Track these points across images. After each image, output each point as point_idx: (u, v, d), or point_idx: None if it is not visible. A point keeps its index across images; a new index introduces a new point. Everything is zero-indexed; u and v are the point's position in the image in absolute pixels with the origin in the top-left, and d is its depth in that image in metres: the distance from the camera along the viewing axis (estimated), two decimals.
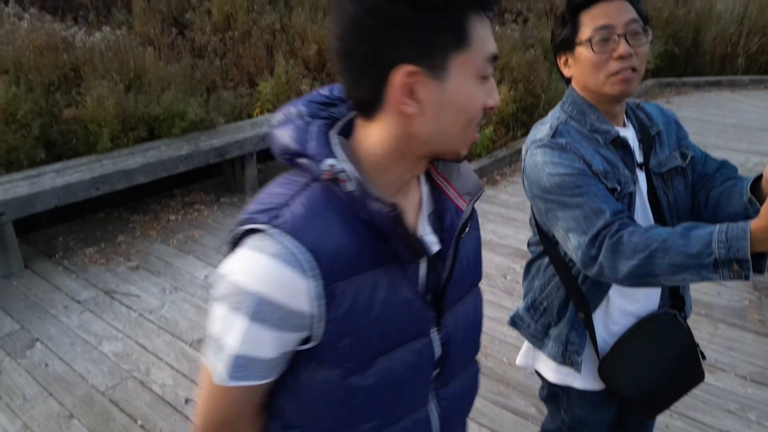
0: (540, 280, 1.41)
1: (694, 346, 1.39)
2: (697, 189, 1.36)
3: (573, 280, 1.32)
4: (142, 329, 2.97)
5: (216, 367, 0.76)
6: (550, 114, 1.35)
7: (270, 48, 6.39)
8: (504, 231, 3.97)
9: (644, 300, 1.36)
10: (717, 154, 1.43)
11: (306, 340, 0.77)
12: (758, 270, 0.98)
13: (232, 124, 4.95)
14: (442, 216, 0.85)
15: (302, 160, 0.76)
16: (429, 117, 0.73)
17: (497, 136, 5.47)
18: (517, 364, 1.55)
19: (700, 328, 2.90)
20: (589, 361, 1.36)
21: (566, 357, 1.36)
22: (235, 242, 0.77)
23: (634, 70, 1.21)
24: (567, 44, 1.27)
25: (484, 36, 0.72)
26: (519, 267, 3.42)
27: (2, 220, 3.34)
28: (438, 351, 0.86)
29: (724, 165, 1.36)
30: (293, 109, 0.81)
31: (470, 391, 1.00)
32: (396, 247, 0.76)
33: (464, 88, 0.73)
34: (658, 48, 8.05)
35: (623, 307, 1.34)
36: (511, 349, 2.72)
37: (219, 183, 4.95)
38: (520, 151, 5.31)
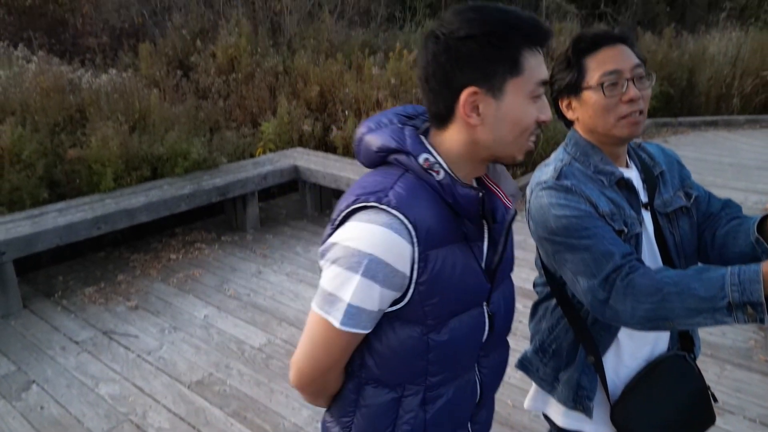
0: (547, 322, 1.39)
1: (706, 388, 1.36)
2: (702, 228, 1.36)
3: (582, 323, 1.30)
4: (140, 371, 2.92)
5: (330, 316, 0.93)
6: (553, 156, 1.35)
7: (273, 89, 6.52)
8: None
9: (654, 342, 1.34)
10: (716, 192, 1.44)
11: (395, 302, 0.94)
12: None
13: (234, 164, 4.99)
14: (494, 212, 1.03)
15: (399, 155, 0.96)
16: (489, 127, 0.93)
17: None
18: (526, 407, 1.52)
19: (707, 369, 2.85)
20: (600, 405, 1.34)
21: (577, 402, 1.33)
22: (343, 219, 0.94)
23: (641, 112, 1.23)
24: (572, 88, 1.28)
25: (534, 65, 0.92)
26: (521, 306, 3.38)
27: (3, 260, 3.34)
28: (487, 321, 1.04)
29: (728, 204, 1.37)
30: (384, 119, 1.02)
31: (503, 365, 1.17)
32: (465, 228, 0.97)
33: (517, 105, 0.92)
34: (653, 89, 8.18)
35: (633, 350, 1.32)
36: (515, 390, 2.67)
37: (220, 221, 4.96)
38: (519, 189, 5.34)
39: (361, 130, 1.02)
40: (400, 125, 0.99)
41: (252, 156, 5.50)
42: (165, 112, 5.18)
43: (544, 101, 0.95)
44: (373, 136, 0.99)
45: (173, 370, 2.93)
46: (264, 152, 5.55)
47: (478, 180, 1.06)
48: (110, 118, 4.72)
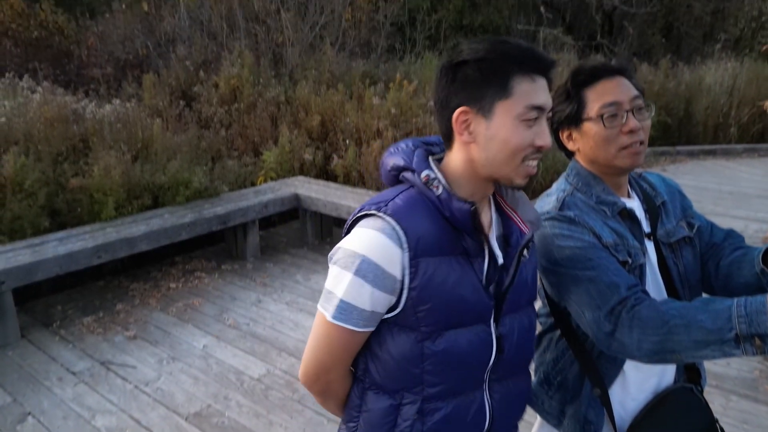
0: (552, 353, 1.38)
1: (714, 421, 1.34)
2: (705, 259, 1.36)
3: (587, 354, 1.28)
4: (137, 402, 2.88)
5: (325, 311, 1.02)
6: (555, 186, 1.36)
7: (274, 119, 6.58)
8: None
9: (660, 374, 1.32)
10: (716, 221, 1.44)
11: (392, 309, 1.01)
12: None
13: (235, 192, 5.01)
14: (508, 236, 1.09)
15: (406, 173, 1.05)
16: (480, 145, 1.00)
17: None
18: None
19: (713, 401, 2.80)
20: None
21: None
22: (350, 227, 1.04)
23: (641, 143, 1.24)
24: (572, 120, 1.29)
25: (527, 90, 0.97)
26: None
27: (2, 289, 3.32)
28: (494, 343, 1.06)
29: (730, 234, 1.37)
30: (404, 144, 1.11)
31: (521, 397, 1.18)
32: (466, 243, 1.02)
33: (505, 126, 0.98)
34: (651, 118, 8.27)
35: (639, 382, 1.30)
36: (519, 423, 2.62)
37: (220, 250, 4.95)
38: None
39: (384, 154, 1.12)
40: (413, 148, 1.09)
41: (253, 184, 5.52)
42: (167, 142, 5.22)
43: (543, 126, 0.99)
44: (390, 157, 1.10)
45: (171, 401, 2.89)
46: (265, 181, 5.58)
47: (497, 205, 1.13)
48: (113, 148, 4.75)
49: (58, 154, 4.68)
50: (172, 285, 4.24)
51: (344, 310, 0.99)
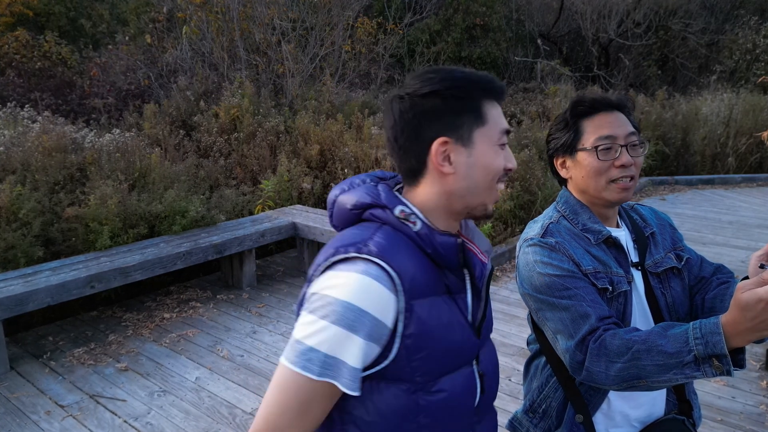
0: (538, 380, 1.38)
1: None
2: (694, 292, 1.37)
3: (571, 381, 1.28)
4: None
5: (286, 356, 0.87)
6: (544, 213, 1.38)
7: (273, 148, 6.61)
8: (506, 329, 3.87)
9: (648, 405, 1.31)
10: (718, 251, 1.43)
11: (377, 362, 0.89)
12: (738, 365, 0.98)
13: (232, 221, 4.99)
14: (472, 268, 1.00)
15: (375, 210, 0.96)
16: (461, 175, 0.96)
17: (496, 233, 5.50)
18: None
19: None
20: None
21: None
22: (323, 271, 0.91)
23: (632, 178, 1.26)
24: (568, 148, 1.32)
25: (496, 115, 0.98)
26: (517, 364, 3.28)
27: None
28: (478, 382, 0.99)
29: (720, 269, 1.38)
30: (357, 180, 1.03)
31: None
32: (447, 280, 0.95)
33: (486, 153, 0.96)
34: (648, 148, 8.32)
35: (625, 412, 1.30)
36: None
37: (216, 279, 4.90)
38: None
39: (335, 192, 1.02)
40: (373, 183, 1.01)
41: (251, 213, 5.50)
42: (165, 171, 5.22)
43: (509, 150, 1.00)
44: (347, 195, 1.00)
45: None
46: (263, 210, 5.56)
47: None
48: (110, 177, 4.75)
49: (55, 184, 4.68)
50: (166, 315, 4.18)
51: (331, 366, 0.84)
